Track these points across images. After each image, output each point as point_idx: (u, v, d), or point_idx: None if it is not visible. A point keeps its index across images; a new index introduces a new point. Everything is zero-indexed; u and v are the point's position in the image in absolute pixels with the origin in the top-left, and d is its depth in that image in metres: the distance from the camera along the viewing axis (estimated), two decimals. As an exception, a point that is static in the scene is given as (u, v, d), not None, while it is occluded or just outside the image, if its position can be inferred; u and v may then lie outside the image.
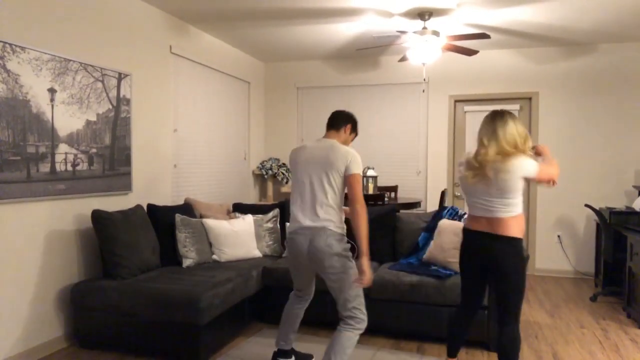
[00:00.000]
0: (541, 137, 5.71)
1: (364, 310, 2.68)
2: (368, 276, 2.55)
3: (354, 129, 2.92)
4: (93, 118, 3.65)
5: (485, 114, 2.61)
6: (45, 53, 3.23)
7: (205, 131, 5.27)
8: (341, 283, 2.62)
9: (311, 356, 3.15)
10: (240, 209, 4.72)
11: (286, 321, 2.98)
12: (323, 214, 2.61)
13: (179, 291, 3.12)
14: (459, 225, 3.69)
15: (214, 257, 4.03)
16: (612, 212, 4.78)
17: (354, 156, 2.64)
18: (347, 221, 2.75)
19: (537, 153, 2.66)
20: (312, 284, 2.97)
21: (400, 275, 3.60)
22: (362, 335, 3.59)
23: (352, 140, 2.94)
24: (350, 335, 2.63)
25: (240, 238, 4.14)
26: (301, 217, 2.67)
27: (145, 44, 4.23)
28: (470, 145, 5.96)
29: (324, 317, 3.72)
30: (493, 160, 2.44)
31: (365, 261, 2.55)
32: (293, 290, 3.01)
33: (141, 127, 4.19)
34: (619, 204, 5.43)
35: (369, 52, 5.98)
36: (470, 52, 4.84)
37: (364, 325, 2.67)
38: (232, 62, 5.80)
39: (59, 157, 3.36)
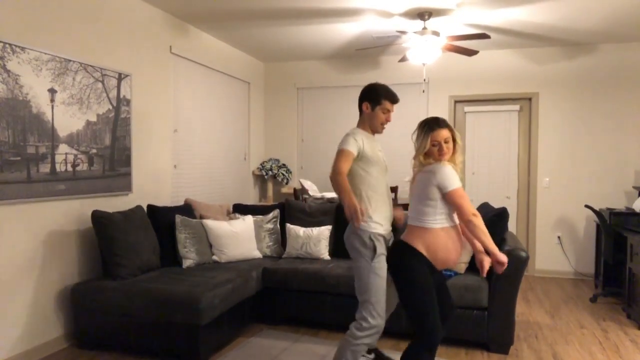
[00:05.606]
0: (541, 137, 5.71)
1: (370, 320, 2.44)
2: None
3: (375, 100, 2.60)
4: (93, 118, 3.65)
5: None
6: (45, 53, 3.23)
7: (206, 131, 5.27)
8: (355, 275, 2.57)
9: None
10: (240, 209, 4.72)
11: None
12: None
13: (179, 292, 3.12)
14: (459, 225, 3.68)
15: (214, 257, 4.03)
16: (612, 212, 4.78)
17: (344, 137, 2.53)
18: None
19: None
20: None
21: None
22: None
23: (383, 113, 2.59)
24: (348, 336, 2.51)
25: (240, 239, 4.14)
26: None
27: (145, 44, 4.23)
28: (470, 146, 5.98)
29: (323, 317, 3.72)
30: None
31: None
32: None
33: (141, 127, 4.19)
34: (619, 205, 5.43)
35: (369, 52, 5.98)
36: (470, 53, 4.84)
37: (364, 334, 2.46)
38: (232, 62, 5.79)
39: (59, 158, 3.36)
